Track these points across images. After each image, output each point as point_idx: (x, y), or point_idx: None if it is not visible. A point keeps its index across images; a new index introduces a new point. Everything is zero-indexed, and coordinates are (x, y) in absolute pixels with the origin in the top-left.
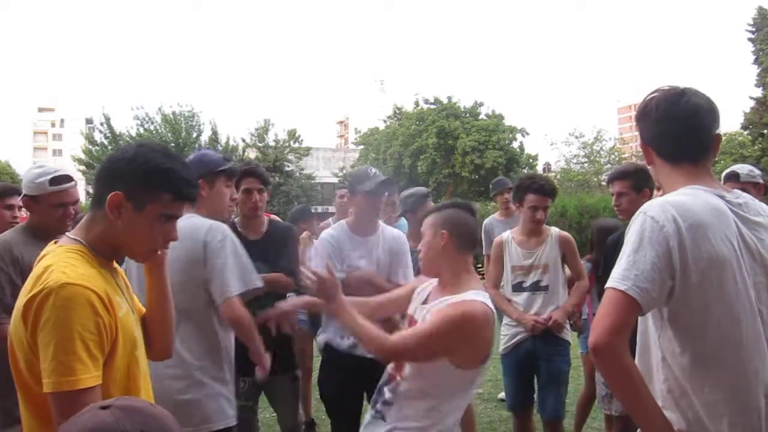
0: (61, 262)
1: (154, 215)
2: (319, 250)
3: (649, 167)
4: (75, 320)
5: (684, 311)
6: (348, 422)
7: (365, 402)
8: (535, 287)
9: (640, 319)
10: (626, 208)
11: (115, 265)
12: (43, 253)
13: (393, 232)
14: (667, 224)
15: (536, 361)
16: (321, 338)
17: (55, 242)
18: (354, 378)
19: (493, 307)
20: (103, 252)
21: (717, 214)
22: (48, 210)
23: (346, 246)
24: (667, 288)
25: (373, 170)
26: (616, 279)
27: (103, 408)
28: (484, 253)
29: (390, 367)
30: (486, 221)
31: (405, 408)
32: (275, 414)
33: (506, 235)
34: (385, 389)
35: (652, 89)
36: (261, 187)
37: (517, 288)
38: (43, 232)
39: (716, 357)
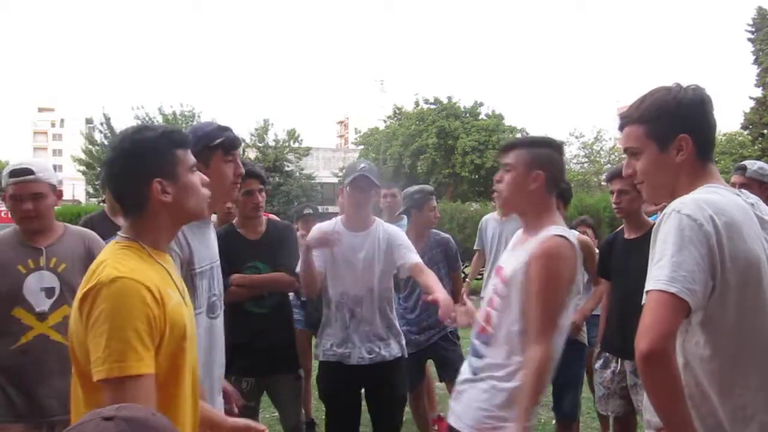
0: (113, 258)
1: (189, 171)
2: (309, 244)
3: (653, 163)
4: (126, 312)
5: (720, 313)
6: (344, 420)
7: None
8: None
9: None
10: (626, 206)
11: (169, 257)
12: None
13: (390, 228)
14: (706, 223)
15: None
16: (318, 351)
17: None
18: (350, 377)
19: (575, 242)
20: (157, 244)
21: (745, 213)
22: (9, 204)
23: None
24: (709, 289)
25: (362, 164)
26: (663, 281)
27: (107, 419)
28: (475, 248)
29: (480, 318)
30: (483, 219)
31: (496, 355)
32: (276, 414)
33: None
34: (476, 342)
35: (657, 87)
36: (261, 186)
37: None
38: (21, 229)
39: (751, 358)
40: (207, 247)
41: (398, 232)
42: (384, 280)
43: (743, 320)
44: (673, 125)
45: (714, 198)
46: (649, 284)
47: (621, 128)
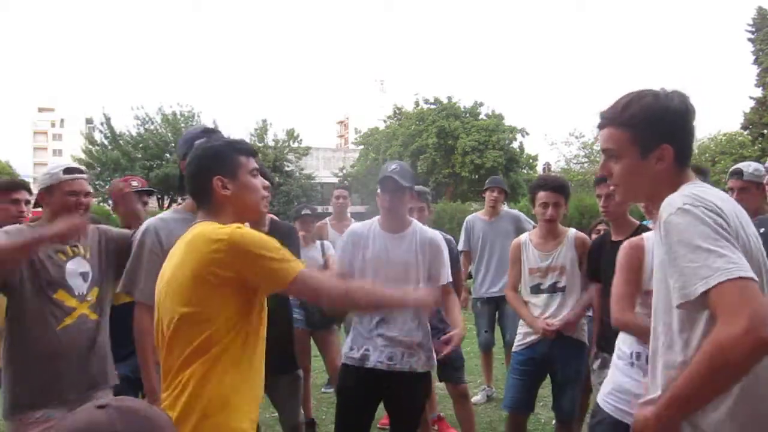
0: (220, 225)
1: (249, 174)
2: (341, 244)
3: (632, 169)
4: (266, 239)
5: None
6: (352, 422)
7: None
8: (553, 289)
9: (663, 313)
10: (614, 210)
11: None
12: (184, 235)
13: (429, 233)
14: (714, 211)
15: (552, 363)
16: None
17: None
18: (369, 383)
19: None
20: None
21: (734, 206)
22: (62, 198)
23: (371, 239)
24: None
25: (393, 165)
26: (738, 269)
27: (100, 407)
28: (461, 249)
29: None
30: (468, 219)
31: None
32: (276, 414)
33: (524, 237)
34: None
35: (630, 92)
36: (268, 185)
37: (535, 290)
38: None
39: None
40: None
41: (440, 244)
42: (420, 285)
43: None
44: (657, 134)
45: (703, 192)
46: (714, 278)
47: (601, 127)
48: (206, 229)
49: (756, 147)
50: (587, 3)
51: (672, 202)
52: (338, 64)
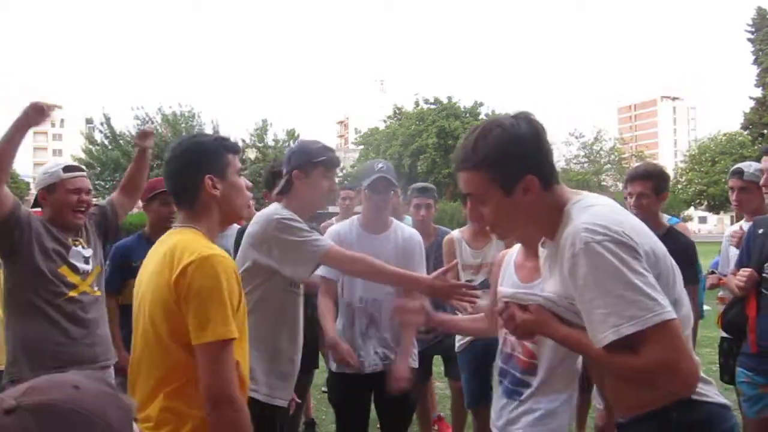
0: (194, 240)
1: (235, 174)
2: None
3: (501, 208)
4: (224, 284)
5: None
6: (353, 426)
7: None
8: (486, 285)
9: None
10: (646, 209)
11: None
12: (162, 239)
13: (407, 232)
14: (621, 242)
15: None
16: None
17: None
18: (361, 384)
19: None
20: (211, 236)
21: (625, 210)
22: (63, 196)
23: (354, 242)
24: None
25: (380, 164)
26: (655, 314)
27: (8, 412)
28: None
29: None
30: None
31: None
32: None
33: (456, 234)
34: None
35: (475, 128)
36: (251, 185)
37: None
38: (58, 223)
39: None
40: None
41: (415, 244)
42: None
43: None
44: (516, 167)
45: (601, 216)
46: (625, 328)
47: (457, 171)
48: (183, 244)
49: (756, 147)
50: (587, 3)
51: (575, 236)
52: (338, 64)
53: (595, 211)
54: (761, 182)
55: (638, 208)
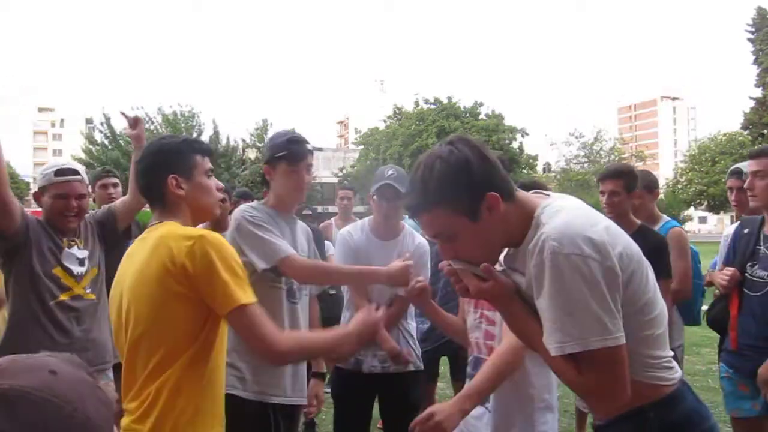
0: (181, 228)
1: (204, 174)
2: (338, 248)
3: (473, 236)
4: (231, 256)
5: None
6: (351, 424)
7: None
8: None
9: None
10: (618, 207)
11: None
12: (143, 236)
13: (417, 239)
14: (592, 253)
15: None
16: None
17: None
18: (363, 385)
19: None
20: None
21: (595, 210)
22: (51, 200)
23: (364, 247)
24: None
25: (390, 171)
26: (602, 336)
27: None
28: None
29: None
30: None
31: None
32: None
33: None
34: None
35: (416, 167)
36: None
37: None
38: (50, 226)
39: None
40: (293, 240)
41: (423, 252)
42: None
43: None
44: (472, 192)
45: (573, 224)
46: (569, 347)
47: (415, 217)
48: (173, 231)
49: (756, 147)
50: (587, 3)
51: (544, 243)
52: (338, 64)
53: (565, 217)
54: (746, 185)
55: (610, 206)
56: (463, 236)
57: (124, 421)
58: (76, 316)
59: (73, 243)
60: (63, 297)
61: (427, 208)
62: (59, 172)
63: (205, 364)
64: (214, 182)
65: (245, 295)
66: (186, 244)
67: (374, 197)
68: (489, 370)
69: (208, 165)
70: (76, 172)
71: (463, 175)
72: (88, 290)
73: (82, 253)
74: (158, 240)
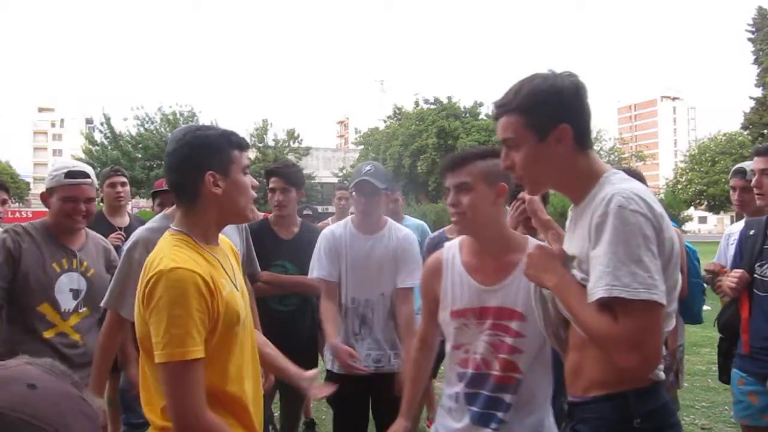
0: (169, 249)
1: (241, 171)
2: (319, 246)
3: (532, 154)
4: (184, 300)
5: None
6: (352, 426)
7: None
8: None
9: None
10: None
11: (219, 248)
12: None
13: (401, 232)
14: (652, 217)
15: None
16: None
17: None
18: (357, 386)
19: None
20: (206, 237)
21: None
22: (59, 203)
23: (347, 243)
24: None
25: (368, 167)
26: (648, 291)
27: None
28: None
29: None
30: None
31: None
32: (275, 412)
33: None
34: (505, 397)
35: (526, 76)
36: (285, 186)
37: None
38: (55, 227)
39: None
40: None
41: (409, 244)
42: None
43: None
44: (551, 114)
45: (640, 191)
46: (636, 291)
47: (497, 118)
48: (158, 253)
49: (762, 144)
50: (587, 3)
51: (613, 196)
52: (338, 64)
53: (635, 186)
54: (752, 182)
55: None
56: (524, 151)
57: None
58: (55, 356)
59: (75, 262)
60: (47, 335)
61: (508, 111)
62: (69, 174)
63: (219, 381)
64: (250, 180)
65: (184, 351)
66: (150, 276)
67: (353, 193)
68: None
69: (246, 161)
70: (86, 175)
71: (552, 98)
72: (76, 329)
73: (79, 283)
74: (150, 257)
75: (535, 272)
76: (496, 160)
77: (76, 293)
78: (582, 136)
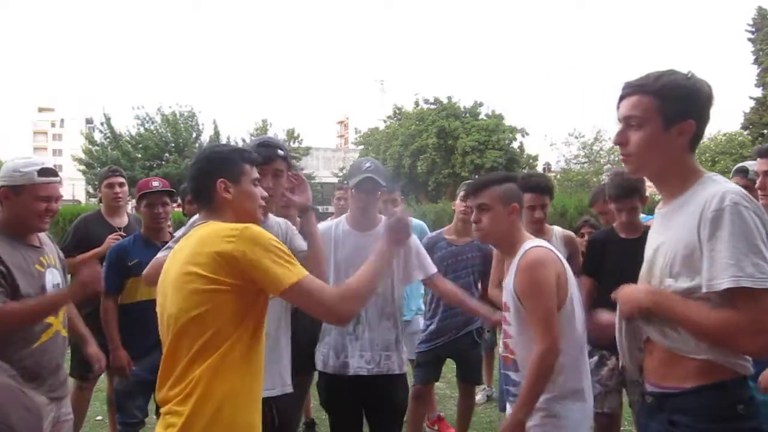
0: (226, 223)
1: (251, 182)
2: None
3: (653, 138)
4: (273, 243)
5: None
6: (348, 429)
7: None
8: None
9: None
10: (637, 223)
11: None
12: (189, 234)
13: None
14: (761, 217)
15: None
16: (318, 355)
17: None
18: (350, 389)
19: (551, 246)
20: None
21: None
22: (31, 203)
23: (340, 240)
24: None
25: (368, 164)
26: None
27: None
28: None
29: (501, 351)
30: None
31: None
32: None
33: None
34: (511, 374)
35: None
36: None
37: None
38: (19, 227)
39: None
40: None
41: (413, 239)
42: (392, 283)
43: None
44: (685, 108)
45: (741, 189)
46: (761, 281)
47: (627, 96)
48: (219, 226)
49: (764, 145)
50: (587, 3)
51: (725, 195)
52: (338, 64)
53: (738, 187)
54: (757, 185)
55: (632, 224)
56: (646, 132)
57: (167, 406)
58: (53, 356)
59: (49, 258)
60: (44, 338)
61: (644, 92)
62: (43, 171)
63: (247, 348)
64: (259, 191)
65: (292, 273)
66: (232, 237)
67: (353, 190)
68: (528, 379)
69: (256, 174)
70: (56, 173)
71: (691, 94)
72: (64, 325)
73: (58, 277)
74: (205, 235)
75: (629, 306)
76: (511, 185)
77: (57, 288)
78: (697, 138)
